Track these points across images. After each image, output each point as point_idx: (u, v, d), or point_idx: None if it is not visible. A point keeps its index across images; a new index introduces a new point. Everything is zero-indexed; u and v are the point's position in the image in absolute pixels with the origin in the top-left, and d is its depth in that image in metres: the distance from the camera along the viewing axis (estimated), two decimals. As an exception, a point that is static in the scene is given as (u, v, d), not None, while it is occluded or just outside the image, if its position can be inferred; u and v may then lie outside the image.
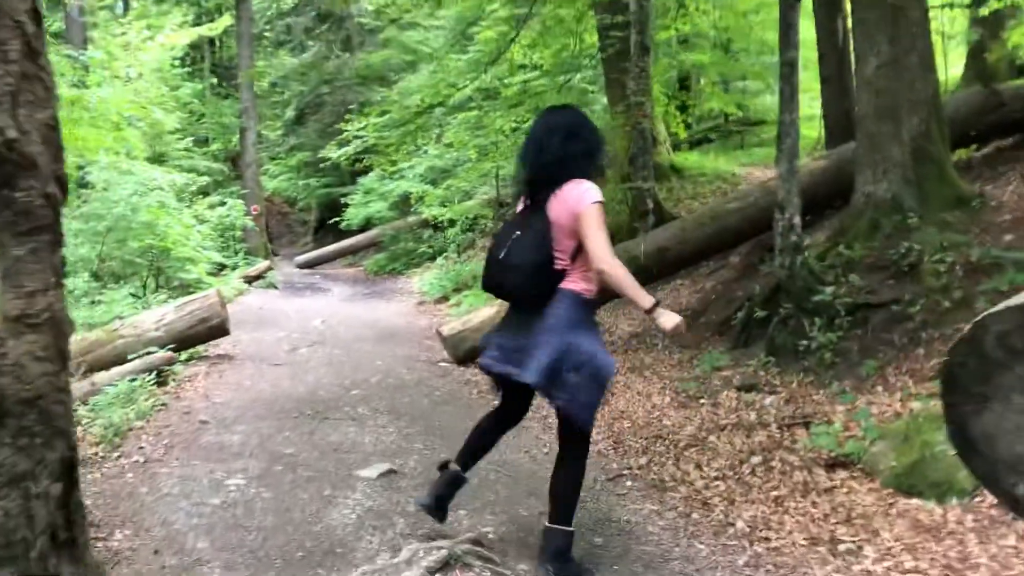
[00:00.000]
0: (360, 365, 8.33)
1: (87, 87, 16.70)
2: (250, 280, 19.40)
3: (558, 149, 3.27)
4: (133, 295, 10.33)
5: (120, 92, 14.11)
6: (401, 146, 11.33)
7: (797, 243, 6.65)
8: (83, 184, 13.47)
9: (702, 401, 6.23)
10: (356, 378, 7.56)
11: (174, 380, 7.32)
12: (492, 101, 12.35)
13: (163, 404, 6.42)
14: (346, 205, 23.33)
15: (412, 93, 11.18)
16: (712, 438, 5.40)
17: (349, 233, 24.00)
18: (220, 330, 8.57)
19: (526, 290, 3.26)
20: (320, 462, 4.97)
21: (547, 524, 3.35)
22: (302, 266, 24.62)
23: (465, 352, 8.56)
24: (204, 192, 23.09)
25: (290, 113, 29.74)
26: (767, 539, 3.86)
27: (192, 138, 25.43)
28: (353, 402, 6.65)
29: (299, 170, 29.01)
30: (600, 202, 3.19)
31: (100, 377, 6.87)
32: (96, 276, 10.80)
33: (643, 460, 5.21)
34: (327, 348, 9.39)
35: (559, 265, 3.23)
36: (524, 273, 3.22)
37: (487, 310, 8.82)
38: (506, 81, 11.92)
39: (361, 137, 11.28)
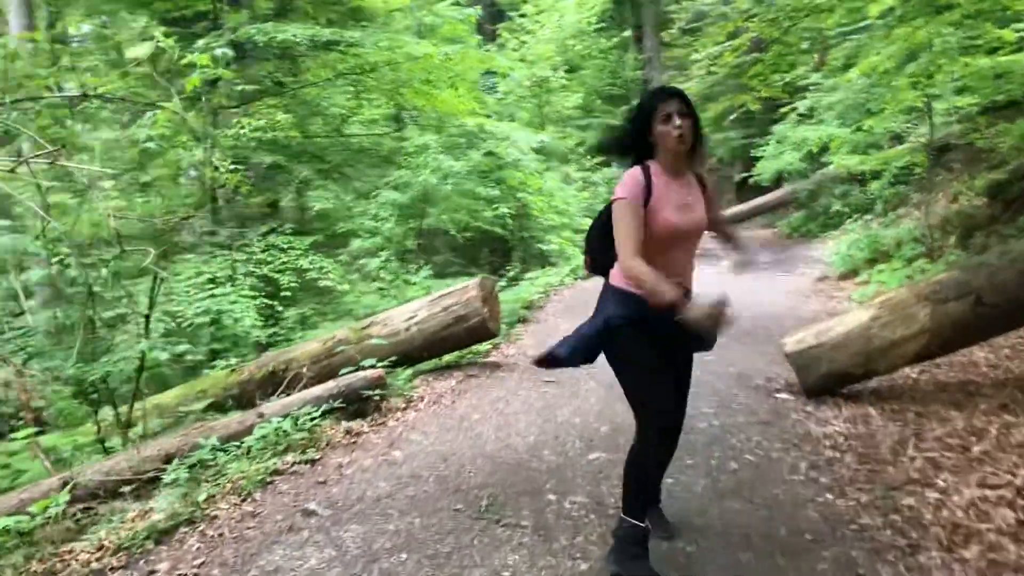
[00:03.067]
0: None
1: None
2: (636, 247, 17.36)
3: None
4: (435, 277, 8.72)
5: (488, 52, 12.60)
6: (770, 76, 8.15)
7: None
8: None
9: None
10: (625, 421, 4.95)
11: (382, 410, 5.36)
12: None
13: (307, 462, 4.44)
14: (758, 158, 20.17)
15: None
16: None
17: (767, 190, 20.92)
18: (481, 331, 6.50)
19: None
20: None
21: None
22: (710, 228, 22.05)
23: (818, 380, 5.51)
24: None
25: (707, 59, 26.96)
26: None
27: (599, 97, 24.12)
28: (576, 482, 4.11)
29: (717, 122, 26.18)
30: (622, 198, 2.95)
31: (273, 405, 5.14)
32: (403, 257, 9.40)
33: None
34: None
35: None
36: None
37: (861, 313, 5.62)
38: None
39: (712, 68, 8.37)
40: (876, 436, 4.77)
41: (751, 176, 20.37)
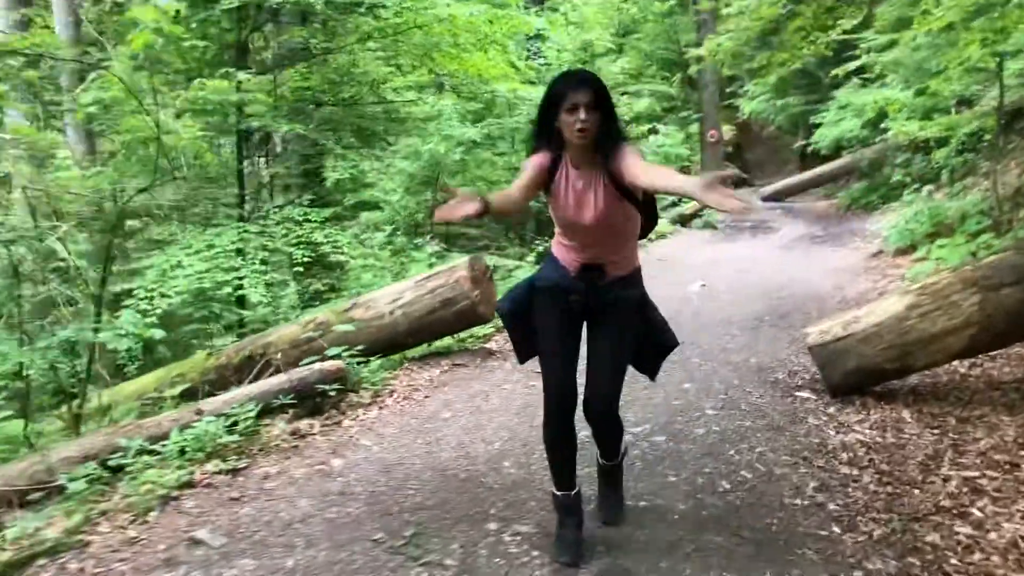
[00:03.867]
0: (654, 391, 4.99)
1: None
2: (685, 220, 16.55)
3: None
4: (441, 256, 8.09)
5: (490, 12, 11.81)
6: (813, 32, 7.18)
7: None
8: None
9: None
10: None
11: (341, 407, 4.78)
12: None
13: (229, 472, 3.87)
14: (817, 125, 19.05)
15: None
16: None
17: (829, 158, 19.83)
18: (471, 316, 5.86)
19: None
20: None
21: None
22: (767, 199, 21.04)
23: (844, 377, 4.76)
24: (655, 118, 20.72)
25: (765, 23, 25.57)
26: None
27: (652, 62, 23.17)
28: (528, 506, 3.47)
29: (778, 88, 24.93)
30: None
31: (215, 401, 4.60)
32: (415, 231, 8.78)
33: None
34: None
35: None
36: None
37: (897, 301, 4.83)
38: None
39: (746, 24, 7.44)
40: (906, 447, 4.04)
41: (809, 144, 19.33)
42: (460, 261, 5.97)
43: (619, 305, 2.96)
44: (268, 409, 4.52)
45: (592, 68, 18.53)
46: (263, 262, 9.36)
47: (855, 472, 3.76)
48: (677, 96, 23.02)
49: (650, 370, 3.24)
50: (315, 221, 9.96)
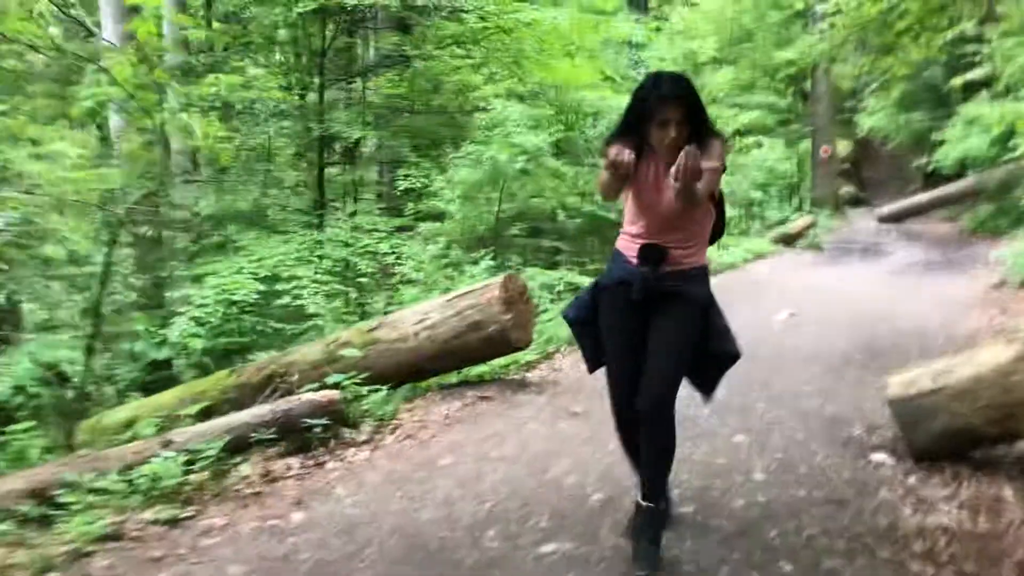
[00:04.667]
0: (697, 444, 4.23)
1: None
2: (788, 239, 15.51)
3: None
4: (497, 268, 7.46)
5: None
6: (923, 33, 6.08)
7: None
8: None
9: None
10: (630, 489, 3.51)
11: (330, 445, 4.21)
12: None
13: (168, 522, 3.33)
14: (940, 142, 17.63)
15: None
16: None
17: (956, 179, 18.40)
18: (500, 342, 5.21)
19: None
20: None
21: None
22: (885, 219, 19.69)
23: (932, 440, 3.90)
24: (766, 130, 19.69)
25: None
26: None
27: (764, 72, 22.02)
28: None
29: (900, 102, 23.42)
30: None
31: (187, 432, 4.09)
32: (479, 243, 8.18)
33: None
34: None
35: None
36: None
37: (1000, 351, 3.93)
38: None
39: (845, 23, 6.43)
40: (1003, 539, 3.17)
41: (929, 163, 17.94)
42: (495, 279, 5.33)
43: (682, 298, 2.87)
44: (248, 444, 3.99)
45: (695, 78, 17.68)
46: (328, 271, 9.03)
47: (930, 570, 2.93)
48: (790, 109, 21.80)
49: (706, 385, 3.09)
50: (383, 231, 9.61)
